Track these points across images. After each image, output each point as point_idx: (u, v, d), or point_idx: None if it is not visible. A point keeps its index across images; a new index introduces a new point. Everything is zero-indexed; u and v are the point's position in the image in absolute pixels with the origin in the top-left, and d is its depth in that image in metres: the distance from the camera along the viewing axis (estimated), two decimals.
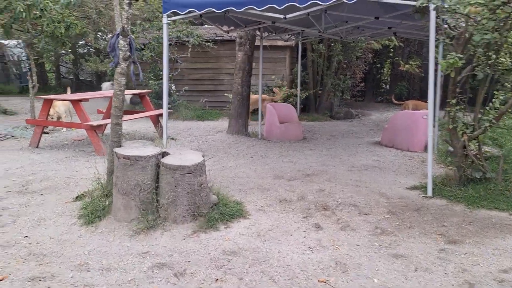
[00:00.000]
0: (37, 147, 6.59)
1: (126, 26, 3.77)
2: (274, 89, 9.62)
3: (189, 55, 11.03)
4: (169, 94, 8.31)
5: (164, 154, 3.75)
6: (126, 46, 3.81)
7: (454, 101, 4.33)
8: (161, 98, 5.75)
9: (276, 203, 4.16)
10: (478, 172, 4.40)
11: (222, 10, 4.82)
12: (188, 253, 3.11)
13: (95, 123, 6.25)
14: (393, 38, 10.28)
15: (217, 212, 3.68)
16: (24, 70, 15.93)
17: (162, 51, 5.21)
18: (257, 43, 7.93)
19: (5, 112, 10.13)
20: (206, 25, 12.70)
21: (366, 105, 13.19)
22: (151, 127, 8.03)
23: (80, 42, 16.02)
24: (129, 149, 3.68)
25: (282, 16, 4.87)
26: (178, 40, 10.71)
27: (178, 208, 3.53)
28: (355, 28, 7.59)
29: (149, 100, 7.90)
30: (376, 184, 4.82)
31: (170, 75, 10.69)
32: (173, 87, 10.68)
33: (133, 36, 3.97)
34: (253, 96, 8.60)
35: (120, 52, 3.81)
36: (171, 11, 5.01)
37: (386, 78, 15.47)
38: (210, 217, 3.58)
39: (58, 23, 7.11)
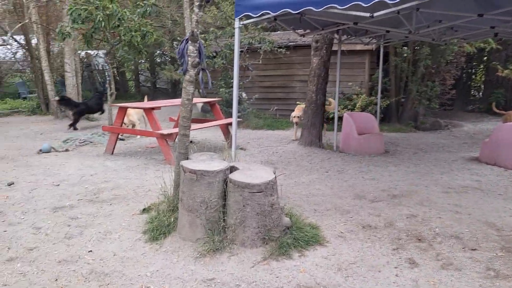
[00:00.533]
0: (112, 153, 6.71)
1: (195, 30, 3.50)
2: (329, 99, 8.69)
3: (260, 62, 10.78)
4: (240, 102, 8.08)
5: (232, 169, 3.41)
6: (195, 52, 3.55)
7: None
8: (231, 106, 5.45)
9: (359, 229, 3.59)
10: None
11: (299, 11, 4.39)
12: (258, 284, 2.74)
13: (165, 131, 6.17)
14: (490, 40, 9.05)
15: (290, 237, 3.26)
16: (108, 79, 17.05)
17: (233, 58, 4.90)
18: (333, 47, 7.39)
19: (87, 118, 10.72)
20: (278, 31, 12.45)
21: (455, 115, 11.86)
22: (221, 135, 7.86)
23: (157, 52, 16.73)
24: (195, 163, 3.40)
25: (368, 15, 4.30)
26: (250, 47, 10.52)
27: (247, 230, 3.16)
28: (449, 28, 6.68)
29: (219, 108, 7.76)
30: (481, 210, 4.02)
31: (241, 83, 10.51)
32: (244, 95, 10.48)
33: (202, 42, 3.69)
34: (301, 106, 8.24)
35: (189, 59, 3.55)
36: (244, 14, 4.71)
37: (478, 84, 13.84)
38: (282, 243, 3.18)
39: (135, 32, 7.24)
